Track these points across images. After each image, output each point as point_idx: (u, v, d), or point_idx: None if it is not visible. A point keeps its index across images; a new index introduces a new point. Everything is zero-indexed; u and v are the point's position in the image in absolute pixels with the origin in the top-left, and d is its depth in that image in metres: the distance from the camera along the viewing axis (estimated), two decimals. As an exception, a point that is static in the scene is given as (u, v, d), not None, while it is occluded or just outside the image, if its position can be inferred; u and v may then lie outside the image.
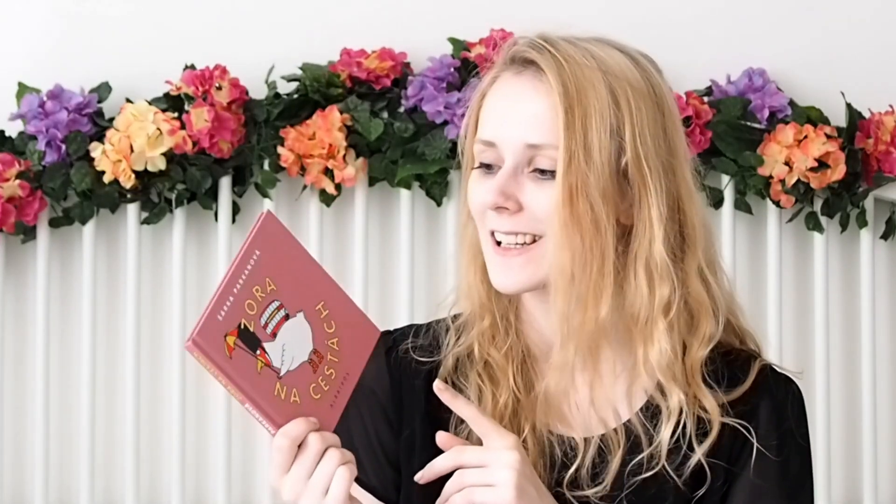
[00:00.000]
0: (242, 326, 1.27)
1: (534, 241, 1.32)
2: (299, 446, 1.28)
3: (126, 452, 2.28)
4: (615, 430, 1.36)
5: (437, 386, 1.30)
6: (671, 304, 1.33)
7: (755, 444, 1.35)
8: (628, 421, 1.36)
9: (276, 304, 1.29)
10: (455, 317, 1.43)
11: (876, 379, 2.35)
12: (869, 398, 2.34)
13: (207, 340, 1.25)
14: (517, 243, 1.33)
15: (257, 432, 2.31)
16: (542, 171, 1.32)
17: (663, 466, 1.34)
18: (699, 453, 1.34)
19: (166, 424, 2.31)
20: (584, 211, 1.29)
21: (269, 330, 1.28)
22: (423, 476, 1.32)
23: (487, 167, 1.34)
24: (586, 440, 1.36)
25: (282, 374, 1.28)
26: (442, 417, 1.36)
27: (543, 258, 1.32)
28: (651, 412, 1.36)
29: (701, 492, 1.35)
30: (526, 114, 1.32)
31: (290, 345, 1.29)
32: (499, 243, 1.33)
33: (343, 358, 1.31)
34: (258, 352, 1.27)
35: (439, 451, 1.33)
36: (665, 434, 1.34)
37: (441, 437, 1.33)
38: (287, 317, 1.29)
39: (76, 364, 2.31)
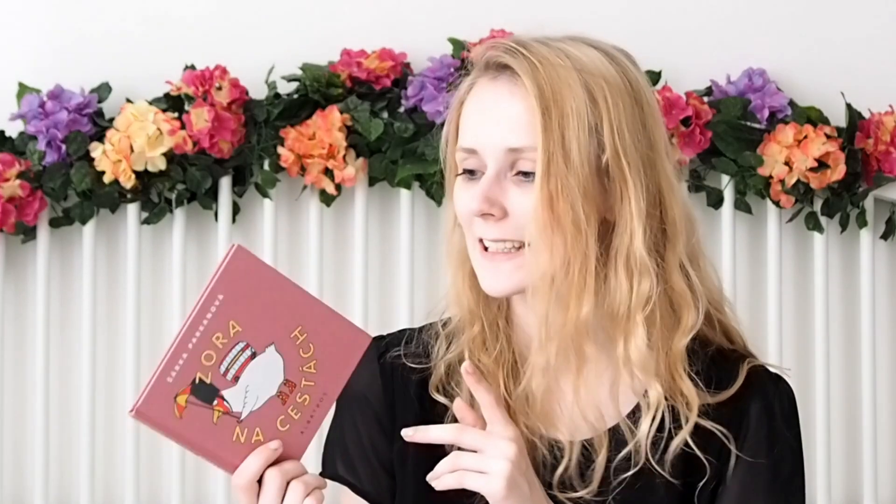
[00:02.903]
0: (197, 381, 1.25)
1: (521, 245, 1.32)
2: (260, 482, 1.27)
3: (126, 452, 2.28)
4: (604, 433, 1.36)
5: (466, 368, 1.30)
6: (650, 299, 1.32)
7: (742, 446, 1.35)
8: (616, 425, 1.36)
9: (240, 345, 1.26)
10: (446, 322, 1.42)
11: (876, 379, 2.35)
12: (869, 398, 2.34)
13: (154, 407, 1.25)
14: (505, 248, 1.32)
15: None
16: (525, 175, 1.31)
17: (648, 461, 1.34)
18: (677, 443, 1.33)
19: (166, 424, 2.31)
20: (564, 212, 1.29)
21: (230, 376, 1.26)
22: (414, 435, 1.31)
23: (471, 174, 1.34)
24: (571, 442, 1.36)
25: (243, 417, 1.27)
26: (436, 422, 1.36)
27: (531, 263, 1.31)
28: (638, 413, 1.36)
29: (697, 482, 1.35)
30: (504, 118, 1.31)
31: (256, 384, 1.27)
32: (486, 248, 1.33)
33: (321, 379, 1.29)
34: (215, 402, 1.26)
35: (433, 459, 1.32)
36: (643, 427, 1.34)
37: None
38: (254, 355, 1.27)
39: (76, 364, 2.31)
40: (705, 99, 2.32)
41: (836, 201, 2.33)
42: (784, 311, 2.34)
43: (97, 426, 2.30)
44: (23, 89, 2.30)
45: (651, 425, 1.34)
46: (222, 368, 1.26)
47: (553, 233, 1.29)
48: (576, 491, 1.35)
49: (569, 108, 1.29)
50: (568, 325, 1.31)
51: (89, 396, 2.28)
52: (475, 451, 1.29)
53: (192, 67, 2.29)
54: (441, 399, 1.38)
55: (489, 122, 1.32)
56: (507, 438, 1.28)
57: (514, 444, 1.28)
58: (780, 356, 2.30)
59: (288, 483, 1.28)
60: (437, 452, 1.33)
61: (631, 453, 1.34)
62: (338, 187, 2.28)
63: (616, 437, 1.35)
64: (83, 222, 2.29)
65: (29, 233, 2.30)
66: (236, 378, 1.26)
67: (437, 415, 1.36)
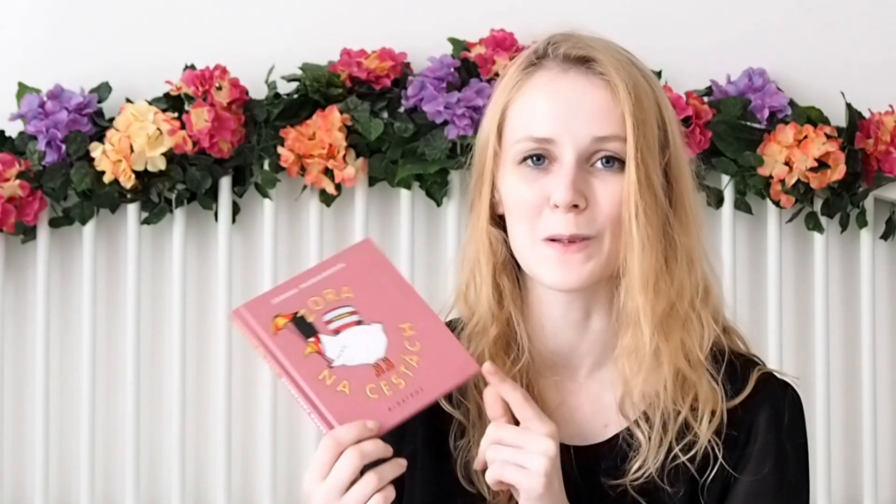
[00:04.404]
0: (299, 315, 1.29)
1: (593, 237, 1.32)
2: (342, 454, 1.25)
3: (126, 452, 2.28)
4: (616, 435, 1.36)
5: (488, 369, 1.31)
6: (707, 290, 1.35)
7: (750, 453, 1.35)
8: (629, 429, 1.36)
9: (348, 308, 1.31)
10: (454, 322, 1.41)
11: (876, 379, 2.35)
12: (869, 398, 2.34)
13: (252, 314, 1.28)
14: (578, 237, 1.32)
15: (257, 433, 2.31)
16: (608, 162, 1.32)
17: (658, 463, 1.34)
18: (704, 440, 1.34)
19: (166, 424, 2.31)
20: (650, 201, 1.31)
21: (332, 326, 1.29)
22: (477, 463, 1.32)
23: (538, 166, 1.33)
24: (582, 446, 1.36)
25: (334, 364, 1.28)
26: (443, 429, 1.36)
27: (601, 253, 1.32)
28: (652, 416, 1.35)
29: (703, 485, 1.35)
30: (588, 108, 1.32)
31: (355, 346, 1.29)
32: (555, 239, 1.32)
33: (419, 376, 1.29)
34: (312, 339, 1.29)
35: (441, 467, 1.32)
36: (657, 431, 1.34)
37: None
38: (359, 322, 1.30)
39: (76, 364, 2.31)
40: (705, 99, 2.32)
41: (836, 201, 2.33)
42: (784, 311, 2.34)
43: (97, 426, 2.30)
44: (23, 89, 2.30)
45: (669, 428, 1.34)
46: (326, 318, 1.30)
47: (633, 222, 1.30)
48: (586, 491, 1.34)
49: (646, 102, 1.32)
50: (658, 310, 1.32)
51: (89, 396, 2.28)
52: (515, 447, 1.28)
53: (192, 67, 2.29)
54: (446, 403, 1.37)
55: (571, 112, 1.32)
56: (545, 434, 1.28)
57: (552, 441, 1.28)
58: (779, 356, 2.30)
59: (363, 471, 1.24)
60: (445, 462, 1.33)
61: (642, 455, 1.34)
62: (338, 187, 2.28)
63: (629, 440, 1.35)
64: (83, 222, 2.29)
65: (29, 233, 2.30)
66: (337, 331, 1.30)
67: (444, 421, 1.36)
